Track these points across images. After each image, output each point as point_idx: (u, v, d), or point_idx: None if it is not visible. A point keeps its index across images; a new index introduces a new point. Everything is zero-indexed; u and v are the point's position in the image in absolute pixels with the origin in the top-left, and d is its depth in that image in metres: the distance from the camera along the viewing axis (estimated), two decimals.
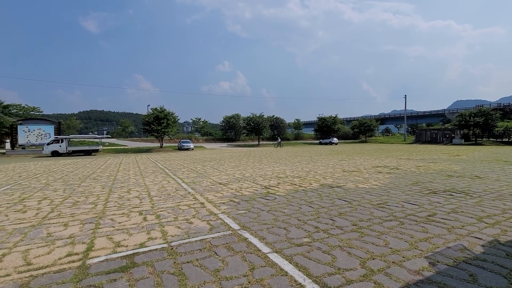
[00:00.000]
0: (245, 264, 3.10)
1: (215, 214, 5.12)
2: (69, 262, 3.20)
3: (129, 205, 6.00)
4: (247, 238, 3.87)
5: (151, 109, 37.36)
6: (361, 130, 59.37)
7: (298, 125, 76.43)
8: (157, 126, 35.20)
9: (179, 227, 4.40)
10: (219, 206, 5.73)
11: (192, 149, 35.43)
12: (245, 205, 5.77)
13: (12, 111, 42.77)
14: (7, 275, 2.93)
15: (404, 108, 59.68)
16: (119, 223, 4.69)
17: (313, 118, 73.58)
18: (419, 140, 48.96)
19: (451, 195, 6.44)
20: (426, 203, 5.68)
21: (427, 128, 55.60)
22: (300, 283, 2.69)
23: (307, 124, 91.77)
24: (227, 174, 10.98)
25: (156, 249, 3.54)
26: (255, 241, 3.78)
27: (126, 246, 3.68)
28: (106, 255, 3.40)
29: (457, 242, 3.65)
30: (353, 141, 61.48)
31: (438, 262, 3.09)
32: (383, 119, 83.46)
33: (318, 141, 55.06)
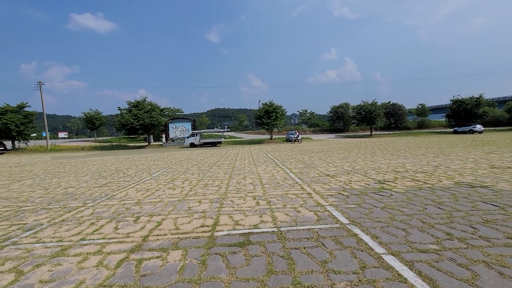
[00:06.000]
0: (355, 261, 2.94)
1: (322, 206, 5.07)
2: (202, 232, 3.99)
3: (245, 190, 6.79)
4: (357, 234, 3.65)
5: (262, 104, 40.55)
6: None
7: (422, 111, 64.12)
8: (267, 120, 37.94)
9: (287, 214, 4.64)
10: (326, 198, 5.63)
11: (300, 141, 36.07)
12: (354, 199, 5.42)
13: (165, 113, 56.56)
14: (164, 234, 3.96)
15: None
16: (237, 204, 5.41)
17: (444, 101, 59.68)
18: None
19: None
20: None
21: None
22: None
23: (436, 109, 75.51)
24: (335, 166, 10.58)
25: (267, 232, 3.88)
26: (366, 238, 3.51)
27: (243, 225, 4.21)
28: (228, 230, 4.01)
29: None
30: (509, 128, 46.00)
31: None
32: None
33: (452, 129, 44.44)
